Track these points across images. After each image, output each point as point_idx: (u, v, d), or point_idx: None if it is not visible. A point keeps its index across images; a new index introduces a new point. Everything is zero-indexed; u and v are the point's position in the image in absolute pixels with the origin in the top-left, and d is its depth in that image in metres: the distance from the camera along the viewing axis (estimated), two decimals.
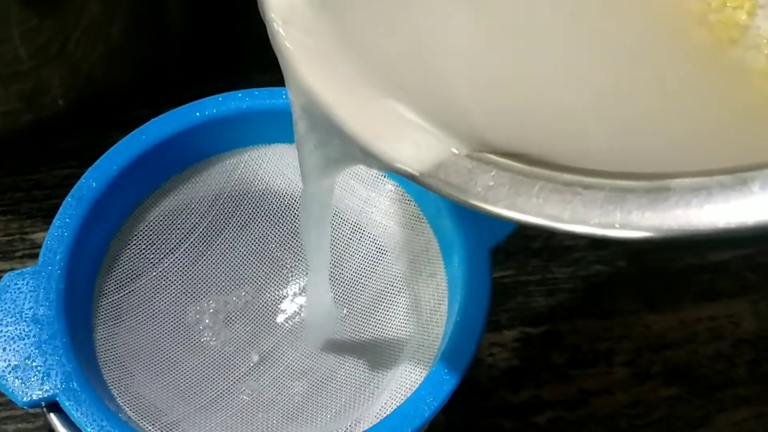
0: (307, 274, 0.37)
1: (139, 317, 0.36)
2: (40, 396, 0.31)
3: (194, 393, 0.36)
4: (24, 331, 0.32)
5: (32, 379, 0.31)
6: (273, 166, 0.38)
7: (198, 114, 0.37)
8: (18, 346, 0.31)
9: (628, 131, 0.24)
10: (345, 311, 0.38)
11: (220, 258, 0.39)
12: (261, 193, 0.39)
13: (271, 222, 0.40)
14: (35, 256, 0.36)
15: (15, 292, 0.32)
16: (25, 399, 0.31)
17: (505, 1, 0.27)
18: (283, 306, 0.39)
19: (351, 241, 0.39)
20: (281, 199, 0.40)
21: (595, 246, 0.47)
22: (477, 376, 0.43)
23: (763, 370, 0.44)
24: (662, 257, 0.47)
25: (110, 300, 0.36)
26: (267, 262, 0.40)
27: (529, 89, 0.25)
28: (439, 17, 0.26)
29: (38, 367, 0.31)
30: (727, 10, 0.27)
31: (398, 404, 0.32)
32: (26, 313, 0.32)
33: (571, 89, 0.25)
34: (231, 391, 0.37)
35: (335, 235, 0.38)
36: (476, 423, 0.42)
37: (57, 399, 0.31)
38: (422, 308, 0.36)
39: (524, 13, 0.27)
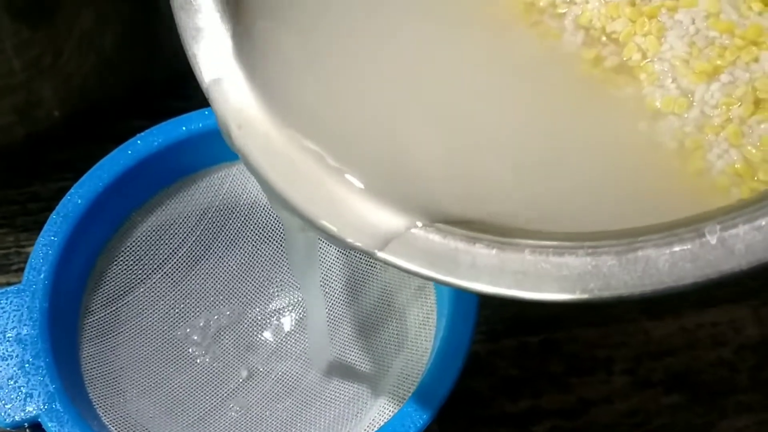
0: (299, 292, 0.38)
1: (127, 334, 0.36)
2: (23, 417, 0.31)
3: (182, 410, 0.36)
4: (7, 351, 0.32)
5: (15, 400, 0.31)
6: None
7: (184, 128, 0.36)
8: (1, 366, 0.31)
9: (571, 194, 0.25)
10: (334, 327, 0.38)
11: (209, 273, 0.39)
12: (249, 207, 0.39)
13: (260, 236, 0.39)
14: None
15: None
16: (7, 420, 0.31)
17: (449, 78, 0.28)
18: (272, 321, 0.39)
19: (340, 255, 0.38)
20: (270, 213, 0.39)
21: None
22: (475, 386, 0.43)
23: (766, 376, 0.44)
24: None
25: (97, 317, 0.36)
26: (256, 277, 0.40)
27: (475, 157, 0.26)
28: (388, 96, 0.27)
29: (21, 388, 0.31)
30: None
31: (386, 420, 0.32)
32: (9, 333, 0.32)
33: (507, 156, 0.26)
34: (220, 407, 0.37)
35: (325, 250, 0.38)
36: None
37: (40, 420, 0.31)
38: (411, 322, 0.36)
39: (468, 87, 0.28)
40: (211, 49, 0.25)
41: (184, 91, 0.49)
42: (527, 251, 0.21)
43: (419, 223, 0.23)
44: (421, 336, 0.35)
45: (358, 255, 0.39)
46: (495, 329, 0.44)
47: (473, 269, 0.22)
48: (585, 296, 0.21)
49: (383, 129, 0.26)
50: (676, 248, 0.21)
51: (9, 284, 0.41)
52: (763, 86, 0.26)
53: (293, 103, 0.25)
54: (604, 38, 0.28)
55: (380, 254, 0.23)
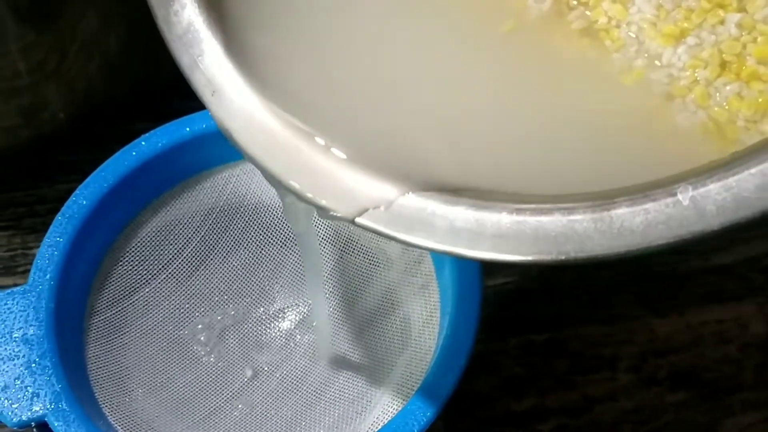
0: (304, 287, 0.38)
1: (132, 334, 0.36)
2: (30, 417, 0.31)
3: (188, 409, 0.36)
4: (14, 351, 0.32)
5: (22, 400, 0.31)
6: (264, 179, 0.38)
7: (188, 129, 0.37)
8: (8, 366, 0.32)
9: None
10: (338, 326, 0.38)
11: (213, 273, 0.39)
12: (253, 207, 0.39)
13: (264, 236, 0.39)
14: None
15: (5, 313, 0.33)
16: (14, 420, 0.31)
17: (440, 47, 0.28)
18: (276, 321, 0.39)
19: (344, 254, 0.39)
20: (273, 213, 0.39)
21: None
22: (480, 385, 0.43)
23: None
24: (666, 261, 0.47)
25: (102, 317, 0.36)
26: (260, 277, 0.40)
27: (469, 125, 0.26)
28: (379, 61, 0.27)
29: (28, 388, 0.31)
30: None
31: (390, 418, 0.32)
32: (16, 334, 0.32)
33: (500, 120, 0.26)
34: (225, 406, 0.37)
35: (328, 249, 0.38)
36: None
37: (46, 419, 0.31)
38: (414, 321, 0.36)
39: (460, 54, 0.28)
40: (188, 15, 0.25)
41: (188, 92, 0.49)
42: (505, 213, 0.22)
43: (398, 191, 0.23)
44: (425, 335, 0.35)
45: (361, 256, 0.39)
46: (499, 328, 0.44)
47: (451, 233, 0.22)
48: (561, 258, 0.21)
49: (364, 97, 0.26)
50: (650, 209, 0.21)
51: (16, 285, 0.41)
52: (729, 48, 0.26)
53: (270, 71, 0.25)
54: (574, 2, 0.28)
55: (359, 220, 0.23)
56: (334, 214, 0.23)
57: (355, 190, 0.23)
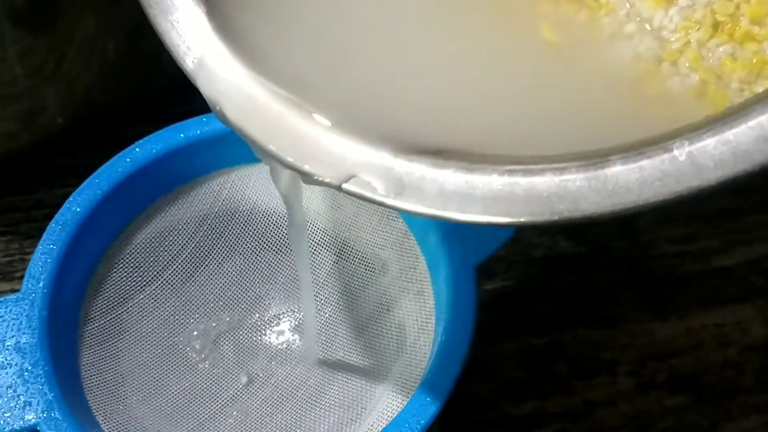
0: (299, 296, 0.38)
1: (127, 341, 0.36)
2: (22, 426, 0.31)
3: (183, 416, 0.36)
4: (6, 359, 0.32)
5: (14, 409, 0.31)
6: (260, 185, 0.38)
7: (182, 135, 0.36)
8: (0, 375, 0.31)
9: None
10: (332, 333, 0.38)
11: (209, 279, 0.39)
12: (248, 213, 0.39)
13: (259, 242, 0.39)
14: None
15: None
16: (6, 429, 0.31)
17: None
18: (272, 327, 0.39)
19: (339, 260, 0.38)
20: (269, 218, 0.39)
21: (597, 254, 0.46)
22: (478, 389, 0.43)
23: None
24: (666, 263, 0.46)
25: (96, 325, 0.36)
26: (255, 283, 0.40)
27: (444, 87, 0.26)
28: (357, 32, 0.27)
29: (20, 396, 0.31)
30: None
31: (385, 425, 0.32)
32: (8, 342, 0.32)
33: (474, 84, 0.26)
34: (220, 413, 0.37)
35: (323, 254, 0.38)
36: None
37: (39, 428, 0.31)
38: (410, 327, 0.36)
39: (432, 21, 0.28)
40: None
41: (187, 96, 0.49)
42: (495, 175, 0.21)
43: (385, 155, 0.22)
44: (420, 341, 0.35)
45: (356, 261, 0.39)
46: (498, 331, 0.44)
47: (441, 197, 0.21)
48: (555, 218, 0.21)
49: (344, 63, 0.26)
50: (646, 166, 0.20)
51: (13, 291, 0.41)
52: (721, 9, 0.26)
53: (252, 39, 0.25)
54: None
55: (345, 186, 0.22)
56: (319, 179, 0.23)
57: (340, 155, 0.23)
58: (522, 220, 0.21)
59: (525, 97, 0.25)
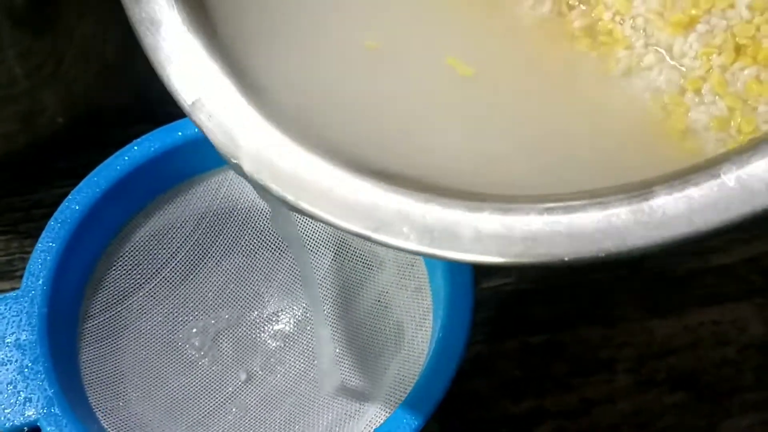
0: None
1: (126, 338, 0.37)
2: (22, 422, 0.31)
3: (182, 412, 0.36)
4: (6, 356, 0.32)
5: (14, 405, 0.31)
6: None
7: (180, 134, 0.37)
8: (0, 372, 0.32)
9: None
10: (331, 331, 0.38)
11: (208, 277, 0.39)
12: (247, 211, 0.39)
13: (257, 240, 0.40)
14: None
15: None
16: (7, 425, 0.31)
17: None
18: (270, 324, 0.40)
19: (337, 257, 0.39)
20: (267, 216, 0.39)
21: None
22: (477, 387, 0.43)
23: None
24: (664, 262, 0.47)
25: (96, 322, 0.36)
26: (254, 281, 0.40)
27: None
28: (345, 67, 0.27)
29: (20, 393, 0.31)
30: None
31: (383, 421, 0.32)
32: (8, 339, 0.32)
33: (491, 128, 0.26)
34: (219, 410, 0.37)
35: (321, 252, 0.38)
36: None
37: (39, 424, 0.31)
38: (407, 324, 0.36)
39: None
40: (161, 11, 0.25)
41: None
42: (534, 214, 0.21)
43: (412, 199, 0.22)
44: (417, 338, 0.35)
45: (353, 258, 0.39)
46: (497, 330, 0.44)
47: (478, 242, 0.21)
48: (601, 255, 0.20)
49: (371, 109, 0.25)
50: (694, 194, 0.20)
51: (13, 290, 0.41)
52: (742, 32, 0.25)
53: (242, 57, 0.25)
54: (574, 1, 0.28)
55: (376, 236, 0.22)
56: (351, 230, 0.22)
57: (365, 202, 0.22)
58: (566, 259, 0.20)
59: (547, 139, 0.25)
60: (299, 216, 0.25)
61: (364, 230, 0.22)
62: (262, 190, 0.24)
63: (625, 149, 0.25)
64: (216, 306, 0.39)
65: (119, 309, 0.37)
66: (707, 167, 0.20)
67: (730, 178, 0.20)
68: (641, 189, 0.20)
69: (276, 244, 0.40)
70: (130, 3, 0.26)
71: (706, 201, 0.20)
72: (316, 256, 0.39)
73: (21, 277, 0.45)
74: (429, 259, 0.36)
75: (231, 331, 0.39)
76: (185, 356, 0.38)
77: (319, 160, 0.23)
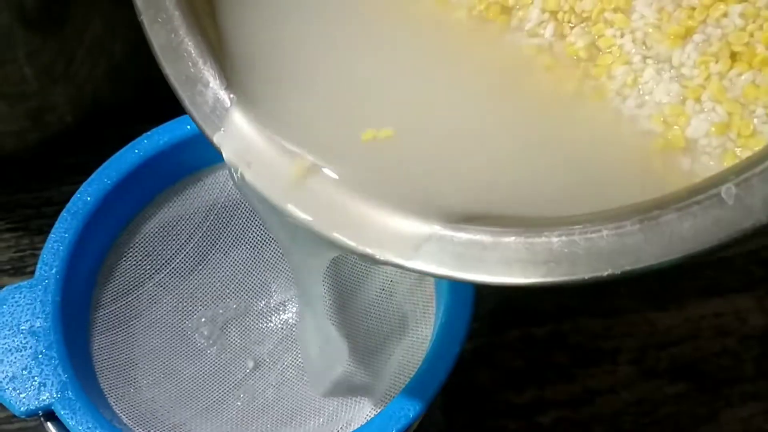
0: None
1: (137, 326, 0.37)
2: (37, 405, 0.32)
3: (191, 399, 0.37)
4: (21, 342, 0.33)
5: (29, 390, 0.32)
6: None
7: (189, 127, 0.37)
8: (15, 357, 0.32)
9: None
10: (337, 319, 0.38)
11: (216, 267, 0.40)
12: None
13: (264, 231, 0.40)
14: None
15: (12, 305, 0.33)
16: (22, 408, 0.32)
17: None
18: (277, 313, 0.40)
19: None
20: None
21: None
22: (480, 377, 0.43)
23: None
24: None
25: (107, 311, 0.37)
26: (261, 271, 0.40)
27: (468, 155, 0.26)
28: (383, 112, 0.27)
29: (35, 378, 0.32)
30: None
31: (387, 405, 0.32)
32: (23, 326, 0.33)
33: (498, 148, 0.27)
34: (227, 397, 0.37)
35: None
36: (480, 424, 0.42)
37: (53, 408, 0.32)
38: (411, 312, 0.37)
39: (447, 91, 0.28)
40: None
41: None
42: (554, 237, 0.22)
43: (440, 226, 0.23)
44: (421, 324, 0.35)
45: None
46: (500, 321, 0.45)
47: (504, 265, 0.22)
48: (617, 273, 0.21)
49: (383, 140, 0.26)
50: (697, 213, 0.21)
51: None
52: (736, 39, 0.26)
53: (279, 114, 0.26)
54: (572, 19, 0.28)
55: (409, 264, 0.23)
56: (388, 260, 0.23)
57: (393, 230, 0.23)
58: (586, 277, 0.22)
59: (551, 161, 0.26)
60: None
61: (398, 259, 0.23)
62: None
63: (631, 169, 0.26)
64: (224, 296, 0.40)
65: (130, 298, 0.38)
66: (707, 187, 0.22)
67: (730, 196, 0.21)
68: (649, 210, 0.22)
69: None
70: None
71: (709, 219, 0.21)
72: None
73: (31, 273, 0.46)
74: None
75: (239, 320, 0.40)
76: (194, 344, 0.39)
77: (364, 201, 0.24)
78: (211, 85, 0.26)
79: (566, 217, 0.22)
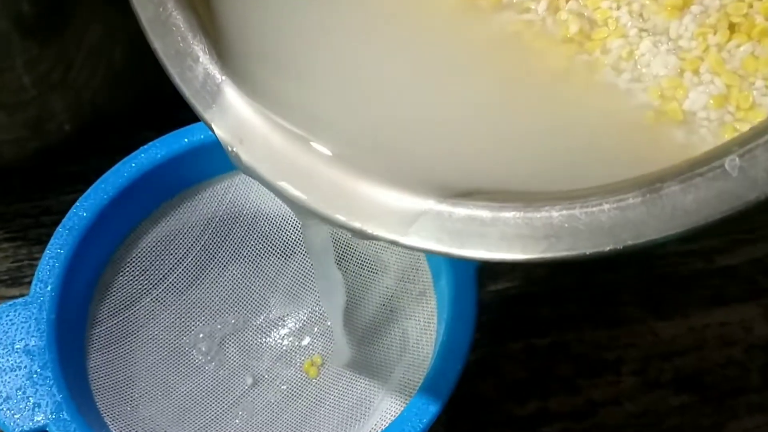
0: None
1: (134, 343, 0.37)
2: (32, 427, 0.31)
3: (189, 417, 0.37)
4: (15, 362, 0.32)
5: (24, 410, 0.32)
6: (264, 188, 0.38)
7: (186, 140, 0.37)
8: (9, 377, 0.32)
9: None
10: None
11: (214, 282, 0.39)
12: (252, 216, 0.39)
13: (263, 245, 0.40)
14: None
15: (6, 324, 0.33)
16: (17, 430, 0.31)
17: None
18: (276, 329, 0.40)
19: (341, 262, 0.39)
20: (273, 221, 0.40)
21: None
22: (482, 389, 0.43)
23: None
24: (669, 263, 0.47)
25: (104, 327, 0.36)
26: (260, 286, 0.40)
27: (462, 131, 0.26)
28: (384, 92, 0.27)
29: (29, 398, 0.32)
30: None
31: (388, 424, 0.32)
32: (18, 345, 0.33)
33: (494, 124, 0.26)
34: (226, 414, 0.37)
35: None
36: None
37: (48, 429, 0.31)
38: (412, 328, 0.36)
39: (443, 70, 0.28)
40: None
41: None
42: (554, 212, 0.21)
43: (435, 201, 0.22)
44: (422, 341, 0.35)
45: (357, 262, 0.39)
46: (502, 332, 0.44)
47: (504, 240, 0.21)
48: (619, 247, 0.21)
49: (379, 117, 0.26)
50: (700, 185, 0.21)
51: (22, 296, 0.41)
52: (735, 10, 0.26)
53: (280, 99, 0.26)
54: None
55: (404, 240, 0.22)
56: (378, 234, 0.23)
57: (387, 206, 0.23)
58: (588, 252, 0.21)
59: (547, 136, 0.26)
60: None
61: (392, 235, 0.23)
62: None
63: (628, 143, 0.25)
64: (222, 311, 0.40)
65: (127, 314, 0.37)
66: (710, 159, 0.21)
67: (733, 168, 0.21)
68: (651, 182, 0.21)
69: (282, 250, 0.40)
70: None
71: (713, 191, 0.21)
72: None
73: (29, 283, 0.45)
74: (432, 261, 0.36)
75: (237, 335, 0.40)
76: (192, 361, 0.38)
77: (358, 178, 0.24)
78: (201, 59, 0.25)
79: (567, 191, 0.22)
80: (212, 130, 0.25)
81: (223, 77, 0.25)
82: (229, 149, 0.25)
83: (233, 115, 0.25)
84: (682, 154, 0.23)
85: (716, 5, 0.26)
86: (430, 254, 0.23)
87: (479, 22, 0.28)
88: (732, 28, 0.26)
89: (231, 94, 0.25)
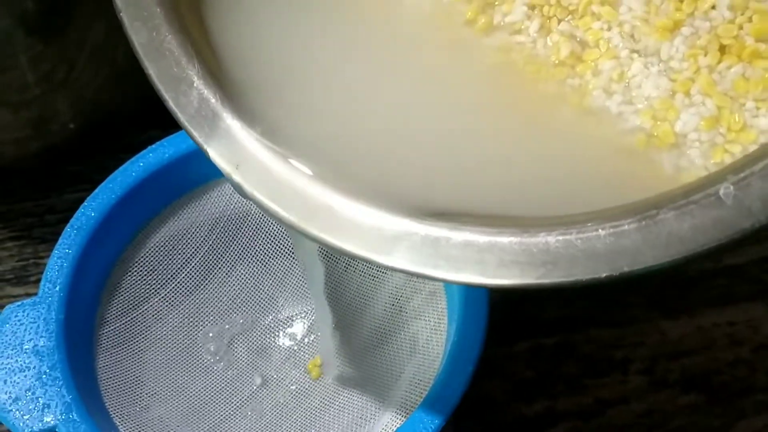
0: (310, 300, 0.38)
1: (142, 344, 0.37)
2: (41, 427, 0.31)
3: (198, 417, 0.36)
4: (25, 363, 0.32)
5: (33, 411, 0.31)
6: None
7: None
8: (19, 378, 0.32)
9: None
10: (346, 333, 0.38)
11: (222, 281, 0.39)
12: (260, 217, 0.39)
13: (271, 245, 0.40)
14: None
15: (15, 324, 0.33)
16: (26, 431, 0.31)
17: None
18: (284, 329, 0.40)
19: (351, 261, 0.39)
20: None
21: None
22: (490, 389, 0.43)
23: None
24: None
25: (112, 328, 0.36)
26: (267, 285, 0.40)
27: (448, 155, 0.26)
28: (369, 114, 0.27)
29: (39, 399, 0.32)
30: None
31: (399, 425, 0.32)
32: (26, 345, 0.33)
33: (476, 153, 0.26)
34: (235, 414, 0.37)
35: (335, 256, 0.38)
36: None
37: (57, 430, 0.31)
38: (422, 328, 0.36)
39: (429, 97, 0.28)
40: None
41: None
42: (551, 238, 0.21)
43: (427, 222, 0.22)
44: (433, 341, 0.35)
45: (366, 264, 0.39)
46: (509, 332, 0.44)
47: (502, 267, 0.21)
48: (615, 274, 0.21)
49: (367, 138, 0.26)
50: (696, 213, 0.21)
51: (27, 295, 0.41)
52: (725, 32, 0.26)
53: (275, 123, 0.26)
54: (558, 13, 0.28)
55: (400, 266, 0.22)
56: (362, 255, 0.22)
57: (383, 229, 0.22)
58: (584, 279, 0.21)
59: (537, 162, 0.26)
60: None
61: (387, 262, 0.22)
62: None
63: (620, 168, 0.25)
64: (231, 311, 0.39)
65: (135, 314, 0.37)
66: (705, 186, 0.21)
67: (728, 196, 0.21)
68: (647, 209, 0.21)
69: (290, 249, 0.40)
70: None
71: (708, 219, 0.21)
72: (330, 260, 0.39)
73: (35, 282, 0.46)
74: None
75: (245, 335, 0.39)
76: (201, 361, 0.38)
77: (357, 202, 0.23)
78: (195, 84, 0.25)
79: (561, 216, 0.22)
80: (208, 156, 0.25)
81: (219, 102, 0.25)
82: (227, 174, 0.25)
83: (229, 140, 0.25)
84: (675, 179, 0.23)
85: (707, 27, 0.26)
86: (428, 280, 0.23)
87: (471, 48, 0.28)
88: (722, 49, 0.26)
89: (226, 120, 0.25)
